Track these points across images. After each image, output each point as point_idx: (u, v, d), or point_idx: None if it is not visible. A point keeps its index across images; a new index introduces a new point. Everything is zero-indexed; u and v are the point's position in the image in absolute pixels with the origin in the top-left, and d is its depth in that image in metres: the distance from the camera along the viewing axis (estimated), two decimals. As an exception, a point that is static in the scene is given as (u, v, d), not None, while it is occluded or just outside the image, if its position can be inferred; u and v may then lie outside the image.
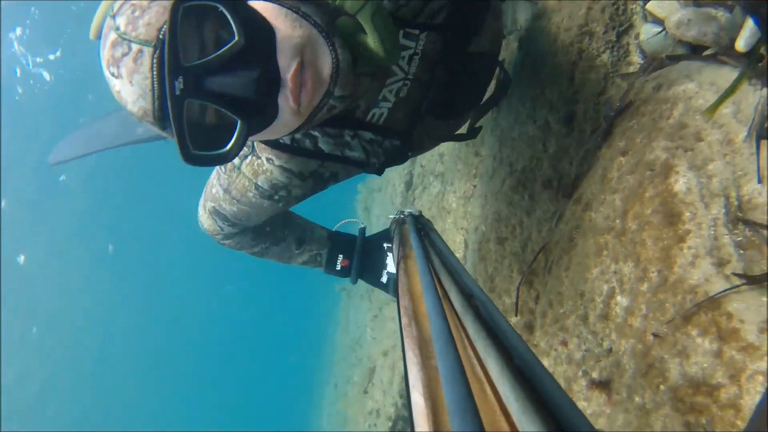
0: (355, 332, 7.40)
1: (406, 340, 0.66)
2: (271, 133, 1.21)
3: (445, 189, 3.59)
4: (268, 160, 1.55)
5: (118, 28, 1.05)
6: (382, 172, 1.73)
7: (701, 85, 1.26)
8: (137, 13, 1.04)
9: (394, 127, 1.59)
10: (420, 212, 1.54)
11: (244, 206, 1.68)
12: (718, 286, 0.94)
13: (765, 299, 0.89)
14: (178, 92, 0.98)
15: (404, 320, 0.71)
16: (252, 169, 1.59)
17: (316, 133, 1.51)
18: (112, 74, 1.08)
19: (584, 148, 1.59)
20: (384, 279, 1.99)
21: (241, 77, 1.01)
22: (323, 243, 2.05)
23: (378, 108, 1.52)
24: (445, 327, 0.56)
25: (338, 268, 2.04)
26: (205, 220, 1.81)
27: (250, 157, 1.59)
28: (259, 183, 1.59)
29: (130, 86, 1.05)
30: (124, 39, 1.04)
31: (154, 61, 1.01)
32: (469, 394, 0.43)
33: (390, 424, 3.96)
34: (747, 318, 0.88)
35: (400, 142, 1.62)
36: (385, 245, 2.01)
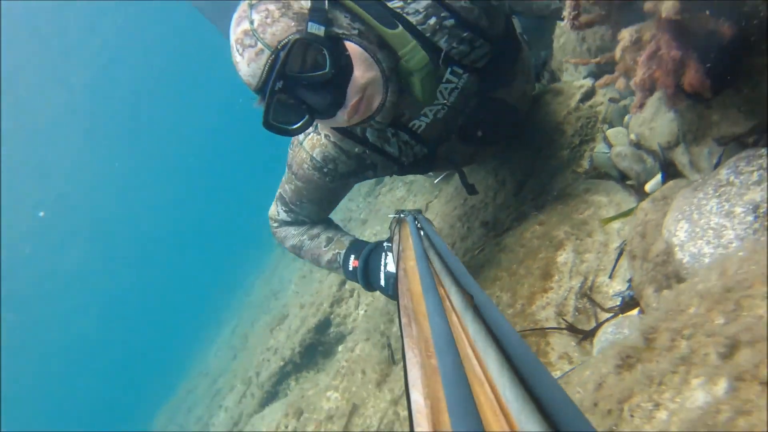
0: (276, 285, 7.74)
1: (405, 340, 0.64)
2: (327, 124, 1.78)
3: (408, 196, 4.08)
4: (326, 136, 2.02)
5: (252, 23, 1.53)
6: (405, 173, 2.23)
7: (611, 202, 1.75)
8: (269, 20, 1.51)
9: (426, 138, 2.02)
10: (419, 211, 1.56)
11: (299, 181, 2.13)
12: (550, 324, 1.43)
13: (573, 343, 1.37)
14: (276, 88, 1.50)
15: (404, 320, 0.71)
16: (311, 144, 2.06)
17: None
18: (237, 51, 1.56)
19: (521, 209, 2.10)
20: (382, 279, 2.01)
21: (320, 96, 1.55)
22: (344, 245, 2.19)
23: (419, 120, 1.96)
24: (445, 327, 0.56)
25: (350, 268, 2.12)
26: (272, 207, 2.34)
27: (312, 134, 2.07)
28: (314, 155, 2.04)
29: (246, 66, 1.55)
30: (254, 35, 1.52)
31: (269, 62, 1.50)
32: (469, 394, 0.42)
33: (281, 363, 4.36)
34: (556, 348, 1.36)
35: (428, 151, 2.06)
36: (385, 244, 2.05)
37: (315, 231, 2.29)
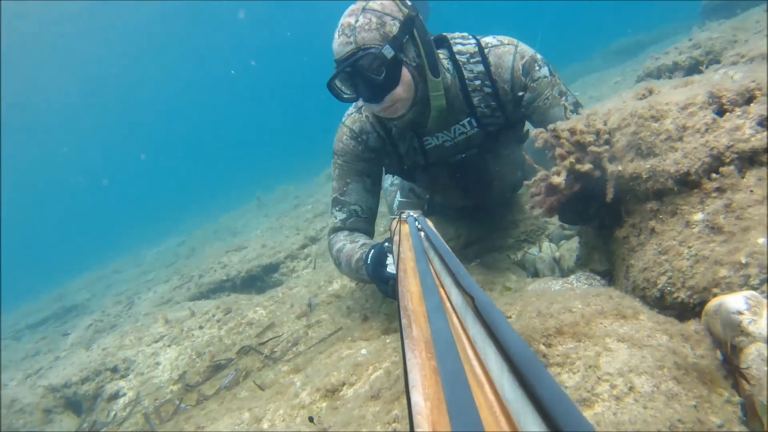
0: (240, 227, 8.06)
1: (406, 341, 0.65)
2: (365, 108, 2.54)
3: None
4: (366, 117, 2.63)
5: (357, 21, 2.18)
6: (402, 174, 2.81)
7: (517, 282, 2.40)
8: (366, 27, 2.16)
9: (428, 154, 2.65)
10: (420, 212, 1.60)
11: (341, 157, 2.68)
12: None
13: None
14: (345, 69, 2.18)
15: (404, 321, 0.71)
16: (352, 120, 2.66)
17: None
18: (338, 32, 2.22)
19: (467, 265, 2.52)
20: (383, 281, 2.08)
21: (367, 89, 2.22)
22: (370, 245, 2.35)
23: (431, 138, 2.59)
24: (445, 328, 0.56)
25: (369, 261, 2.23)
26: (329, 220, 2.75)
27: (354, 113, 2.66)
28: (353, 127, 2.63)
29: (337, 45, 2.22)
30: (352, 31, 2.17)
31: (350, 52, 2.18)
32: (470, 395, 0.42)
33: (224, 278, 4.78)
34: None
35: (424, 164, 2.67)
36: (385, 245, 2.14)
37: (356, 236, 2.60)
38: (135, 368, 3.23)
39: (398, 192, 3.72)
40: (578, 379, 1.01)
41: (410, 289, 0.85)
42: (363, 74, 2.17)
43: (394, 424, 1.09)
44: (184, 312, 3.74)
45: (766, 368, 1.01)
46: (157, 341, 3.40)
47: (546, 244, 3.00)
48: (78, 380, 3.22)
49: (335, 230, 2.68)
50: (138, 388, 3.07)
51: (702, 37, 4.18)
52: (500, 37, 2.56)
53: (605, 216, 2.00)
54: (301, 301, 3.29)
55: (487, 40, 2.53)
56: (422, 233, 1.23)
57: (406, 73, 2.23)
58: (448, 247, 0.99)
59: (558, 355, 1.08)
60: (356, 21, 2.18)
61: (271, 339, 2.95)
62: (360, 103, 2.64)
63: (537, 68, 2.48)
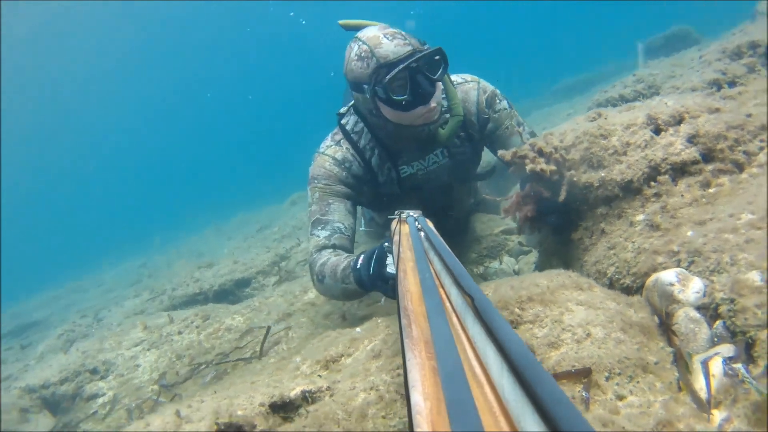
0: (204, 249, 8.18)
1: (405, 341, 0.65)
2: (400, 117, 2.52)
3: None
4: (346, 148, 2.82)
5: (400, 31, 2.47)
6: (376, 205, 3.10)
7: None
8: (405, 33, 2.47)
9: (402, 183, 2.84)
10: (420, 213, 1.60)
11: (322, 181, 2.76)
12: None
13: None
14: (412, 65, 2.36)
15: (404, 321, 0.71)
16: (332, 150, 2.82)
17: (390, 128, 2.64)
18: (386, 37, 2.41)
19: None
20: (384, 280, 2.05)
21: (425, 90, 2.41)
22: (359, 254, 2.34)
23: (407, 167, 2.82)
24: (445, 328, 0.56)
25: (357, 265, 2.23)
26: (310, 242, 2.72)
27: (332, 146, 2.83)
28: (335, 155, 2.78)
29: (392, 46, 2.39)
30: (404, 36, 2.45)
31: (409, 51, 2.39)
32: (469, 395, 0.42)
33: (197, 291, 4.95)
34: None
35: (398, 188, 2.85)
36: (385, 245, 2.10)
37: (341, 252, 2.59)
38: (115, 370, 3.33)
39: (360, 221, 4.00)
40: (547, 330, 1.26)
41: (410, 289, 0.85)
42: (424, 72, 2.37)
43: (398, 370, 1.32)
44: (162, 319, 3.85)
45: (691, 325, 1.29)
46: (136, 345, 3.51)
47: (506, 258, 3.31)
48: (57, 381, 3.29)
49: (320, 248, 2.63)
50: (117, 389, 3.17)
51: (644, 73, 4.64)
52: (463, 75, 2.91)
53: (563, 224, 2.29)
54: (277, 309, 3.46)
55: (452, 78, 2.86)
56: (422, 233, 1.23)
57: (440, 86, 2.52)
58: (447, 247, 0.99)
59: (529, 315, 1.34)
60: (399, 31, 2.46)
61: (250, 342, 3.12)
62: (392, 115, 2.60)
63: (498, 101, 2.83)
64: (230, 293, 4.95)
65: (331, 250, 2.60)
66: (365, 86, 2.46)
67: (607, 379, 1.10)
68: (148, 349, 3.43)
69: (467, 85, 2.83)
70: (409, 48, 2.38)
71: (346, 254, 2.56)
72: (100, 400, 3.15)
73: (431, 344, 0.61)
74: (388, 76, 2.34)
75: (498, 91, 2.86)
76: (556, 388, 0.42)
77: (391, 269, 1.99)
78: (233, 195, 24.62)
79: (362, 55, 2.42)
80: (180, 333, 3.52)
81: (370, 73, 2.41)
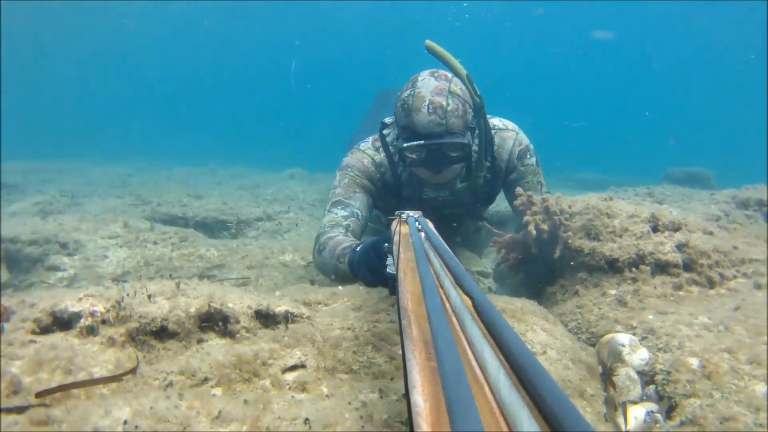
0: (192, 184, 8.19)
1: (405, 342, 0.64)
2: (420, 173, 2.77)
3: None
4: (385, 156, 3.00)
5: (448, 104, 2.53)
6: (391, 204, 3.12)
7: None
8: (456, 113, 2.53)
9: (424, 203, 3.01)
10: (421, 213, 1.63)
11: (354, 171, 2.92)
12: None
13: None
14: (433, 147, 2.58)
15: (404, 321, 0.71)
16: (372, 152, 3.01)
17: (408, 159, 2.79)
18: (428, 108, 2.51)
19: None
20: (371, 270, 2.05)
21: (440, 167, 2.64)
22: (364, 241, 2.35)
23: (431, 191, 2.97)
24: (446, 328, 0.55)
25: (357, 248, 2.22)
26: (326, 217, 2.82)
27: (372, 150, 3.02)
28: (374, 157, 2.98)
29: (426, 121, 2.51)
30: (444, 114, 2.52)
31: (438, 132, 2.53)
32: (470, 396, 0.42)
33: (180, 214, 4.87)
34: None
35: (419, 206, 2.95)
36: (385, 245, 2.08)
37: (350, 236, 2.62)
38: (83, 252, 3.42)
39: None
40: (511, 338, 1.44)
41: (409, 289, 0.85)
42: (445, 153, 2.57)
43: (376, 323, 1.48)
44: (143, 224, 3.95)
45: (628, 382, 1.48)
46: (111, 237, 3.60)
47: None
48: (26, 240, 3.36)
49: (334, 225, 2.69)
50: (79, 270, 3.26)
51: (657, 189, 4.93)
52: (505, 121, 3.10)
53: (543, 281, 2.48)
54: (253, 257, 3.59)
55: (494, 121, 3.04)
56: (422, 233, 1.22)
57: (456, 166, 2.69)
58: (448, 248, 1.00)
59: (500, 323, 1.52)
60: (447, 104, 2.51)
61: (219, 278, 3.24)
62: (393, 149, 2.91)
63: (528, 156, 3.03)
64: (211, 229, 5.05)
65: (343, 230, 2.68)
66: (398, 128, 2.68)
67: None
68: (121, 246, 3.52)
69: (507, 133, 3.02)
70: (441, 129, 2.51)
71: (353, 238, 2.61)
72: (60, 274, 3.23)
73: (431, 344, 0.59)
74: (406, 144, 2.56)
75: (531, 147, 3.07)
76: (558, 389, 0.42)
77: (390, 270, 2.07)
78: (235, 149, 24.57)
79: (404, 105, 2.59)
80: (155, 243, 3.62)
81: (401, 123, 2.62)
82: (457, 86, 2.63)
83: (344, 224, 2.71)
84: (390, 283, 1.90)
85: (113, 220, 3.88)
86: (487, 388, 0.52)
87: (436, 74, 2.65)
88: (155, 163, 12.41)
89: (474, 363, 0.59)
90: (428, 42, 2.98)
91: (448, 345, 0.51)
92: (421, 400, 0.48)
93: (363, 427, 1.02)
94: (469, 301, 0.69)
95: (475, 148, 2.81)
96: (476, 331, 0.61)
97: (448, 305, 0.76)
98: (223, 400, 1.03)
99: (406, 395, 0.53)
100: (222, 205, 5.45)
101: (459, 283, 0.77)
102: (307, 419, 0.99)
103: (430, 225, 1.38)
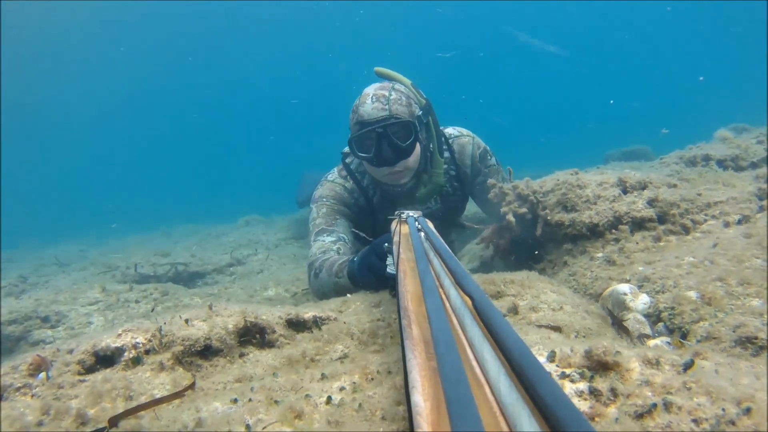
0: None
1: (406, 342, 0.65)
2: (372, 171, 2.84)
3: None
4: (354, 182, 3.08)
5: (390, 95, 2.70)
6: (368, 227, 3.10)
7: None
8: (399, 102, 2.68)
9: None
10: (420, 213, 1.62)
11: (330, 200, 3.00)
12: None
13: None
14: (378, 130, 2.60)
15: (404, 321, 0.72)
16: (341, 180, 3.08)
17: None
18: (371, 99, 2.67)
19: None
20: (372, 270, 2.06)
21: (389, 153, 2.64)
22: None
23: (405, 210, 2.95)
24: (446, 328, 0.56)
25: (354, 259, 2.27)
26: (312, 248, 2.84)
27: (340, 179, 3.10)
28: (345, 184, 3.06)
29: (370, 109, 2.64)
30: (387, 101, 2.65)
31: (383, 116, 2.62)
32: (470, 396, 0.42)
33: (152, 273, 4.80)
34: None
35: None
36: (385, 245, 2.08)
37: (340, 258, 2.58)
38: (66, 322, 3.35)
39: None
40: (528, 301, 1.54)
41: (409, 289, 0.85)
42: (390, 137, 2.60)
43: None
44: (121, 286, 3.90)
45: (637, 325, 1.60)
46: (92, 304, 3.54)
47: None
48: (5, 321, 3.28)
49: (324, 251, 2.71)
50: (65, 341, 3.19)
51: (607, 168, 5.21)
52: (459, 129, 3.26)
53: (530, 259, 2.61)
54: (237, 298, 3.60)
55: (449, 130, 3.21)
56: (422, 233, 1.22)
57: (417, 148, 2.75)
58: (448, 248, 1.00)
59: (512, 291, 1.62)
60: (390, 94, 2.67)
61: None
62: (365, 166, 2.89)
63: (489, 157, 3.21)
64: (185, 281, 5.00)
65: (334, 254, 2.68)
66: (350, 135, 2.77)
67: (575, 337, 1.38)
68: (104, 311, 3.47)
69: (463, 139, 3.17)
70: (384, 113, 2.61)
71: (348, 256, 2.60)
72: (46, 348, 3.16)
73: (431, 344, 0.61)
74: (356, 134, 2.66)
75: (488, 148, 3.23)
76: (558, 388, 0.42)
77: (391, 270, 1.89)
78: (182, 206, 24.14)
79: (353, 107, 2.75)
80: (137, 302, 3.59)
81: (351, 125, 2.75)
82: (401, 88, 2.79)
83: (334, 248, 2.73)
84: (390, 283, 1.94)
85: (90, 288, 3.82)
86: (487, 388, 0.53)
87: (379, 83, 2.83)
88: (100, 236, 12.08)
89: (474, 363, 0.60)
90: (377, 68, 3.19)
91: (448, 345, 0.52)
92: (421, 399, 0.49)
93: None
94: (469, 301, 0.69)
95: (429, 148, 2.94)
96: (476, 331, 0.62)
97: (448, 305, 0.77)
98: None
99: (407, 395, 0.54)
100: (191, 258, 5.41)
101: (459, 282, 0.77)
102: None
103: (430, 225, 1.39)
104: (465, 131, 3.24)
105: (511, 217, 2.47)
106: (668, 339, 1.48)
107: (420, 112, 2.77)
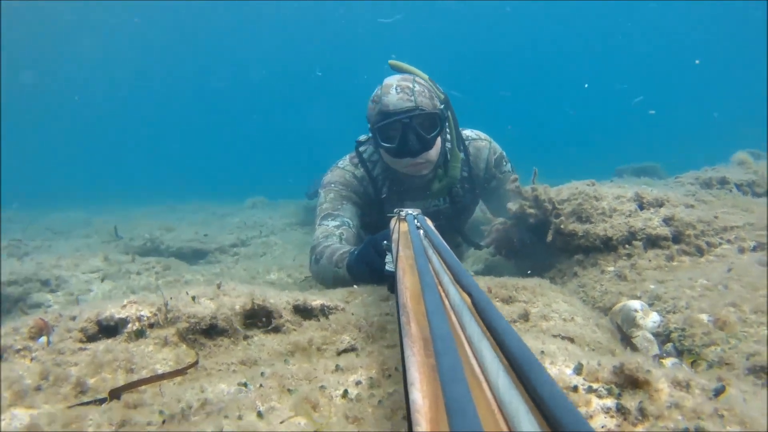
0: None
1: (404, 339, 0.64)
2: (393, 162, 2.83)
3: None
4: (365, 170, 3.05)
5: (414, 87, 2.69)
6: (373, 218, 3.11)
7: None
8: (423, 94, 2.68)
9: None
10: (420, 211, 1.61)
11: (338, 185, 2.99)
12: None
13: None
14: (404, 121, 2.61)
15: (403, 319, 0.72)
16: (351, 167, 3.06)
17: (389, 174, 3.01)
18: (395, 90, 2.66)
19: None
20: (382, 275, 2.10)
21: (414, 144, 2.64)
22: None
23: (411, 203, 3.03)
24: (444, 326, 0.55)
25: (355, 252, 2.28)
26: (317, 231, 2.85)
27: (351, 167, 3.07)
28: (354, 172, 3.03)
29: (395, 99, 2.63)
30: (412, 93, 2.66)
31: (409, 107, 2.62)
32: (468, 394, 0.41)
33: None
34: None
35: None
36: (384, 243, 2.09)
37: (345, 244, 2.66)
38: (66, 288, 3.34)
39: None
40: (539, 309, 1.52)
41: (408, 286, 0.85)
42: (416, 128, 2.61)
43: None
44: (124, 257, 3.89)
45: (646, 344, 1.58)
46: (93, 272, 3.53)
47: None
48: (5, 281, 3.27)
49: (327, 235, 2.74)
50: (64, 305, 3.18)
51: (620, 182, 5.18)
52: (476, 132, 3.24)
53: (536, 268, 2.59)
54: (239, 278, 3.58)
55: (467, 132, 3.18)
56: (421, 231, 1.22)
57: (438, 141, 2.77)
58: (446, 245, 1.00)
59: (523, 297, 1.60)
60: (413, 86, 2.68)
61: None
62: (383, 156, 2.88)
63: (504, 163, 3.18)
64: (188, 258, 4.97)
65: (337, 239, 2.71)
66: (370, 125, 2.78)
67: (588, 350, 1.36)
68: (104, 279, 3.46)
69: (480, 143, 3.16)
70: (410, 104, 2.61)
71: (349, 246, 2.62)
72: (48, 311, 3.15)
73: (429, 342, 0.59)
74: (380, 124, 2.65)
75: (505, 154, 3.21)
76: (557, 388, 0.42)
77: (390, 267, 2.08)
78: (191, 184, 24.18)
79: (374, 97, 2.74)
80: (139, 273, 3.58)
81: (374, 115, 2.72)
82: (422, 81, 2.77)
83: (337, 233, 2.75)
84: (389, 281, 1.88)
85: (92, 255, 3.81)
86: (486, 386, 0.53)
87: (399, 75, 2.82)
88: (106, 206, 12.06)
89: (473, 361, 0.59)
90: (391, 61, 3.12)
91: (447, 342, 0.51)
92: (419, 397, 0.49)
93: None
94: (468, 299, 0.69)
95: (448, 141, 2.93)
96: (475, 329, 0.62)
97: (447, 303, 0.77)
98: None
99: (405, 392, 0.53)
100: (194, 234, 5.39)
101: (458, 280, 0.77)
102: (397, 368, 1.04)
103: (429, 223, 1.40)
104: (483, 135, 3.22)
105: (512, 206, 2.45)
106: (677, 360, 1.46)
107: (441, 106, 2.75)
